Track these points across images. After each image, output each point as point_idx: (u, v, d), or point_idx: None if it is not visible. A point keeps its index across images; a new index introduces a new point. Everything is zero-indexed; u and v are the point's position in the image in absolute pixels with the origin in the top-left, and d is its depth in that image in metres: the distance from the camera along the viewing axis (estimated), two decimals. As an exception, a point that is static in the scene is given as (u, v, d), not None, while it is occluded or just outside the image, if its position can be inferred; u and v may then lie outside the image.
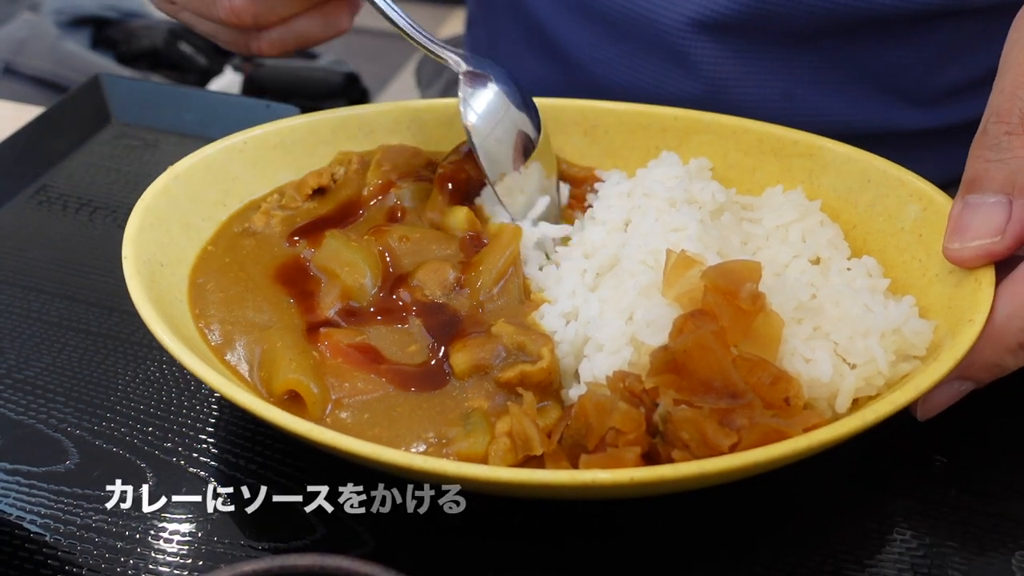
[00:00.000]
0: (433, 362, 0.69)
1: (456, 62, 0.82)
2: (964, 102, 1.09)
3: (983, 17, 1.02)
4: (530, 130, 0.83)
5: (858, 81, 1.06)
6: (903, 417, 0.72)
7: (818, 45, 1.03)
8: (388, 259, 0.76)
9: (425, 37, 0.81)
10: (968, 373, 0.64)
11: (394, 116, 0.90)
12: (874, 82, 1.06)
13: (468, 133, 0.79)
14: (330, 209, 0.82)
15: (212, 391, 0.74)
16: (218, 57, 2.36)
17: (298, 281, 0.76)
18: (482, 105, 0.80)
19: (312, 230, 0.80)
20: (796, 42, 1.03)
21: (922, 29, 1.01)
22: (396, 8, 0.81)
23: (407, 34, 0.81)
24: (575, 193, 0.87)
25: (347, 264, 0.74)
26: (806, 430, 0.57)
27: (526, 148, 0.82)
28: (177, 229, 0.77)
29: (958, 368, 0.61)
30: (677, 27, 1.03)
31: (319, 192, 0.84)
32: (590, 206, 0.84)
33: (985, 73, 1.05)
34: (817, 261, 0.75)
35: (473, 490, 0.62)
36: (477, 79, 0.81)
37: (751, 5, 0.99)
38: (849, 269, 0.74)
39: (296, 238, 0.79)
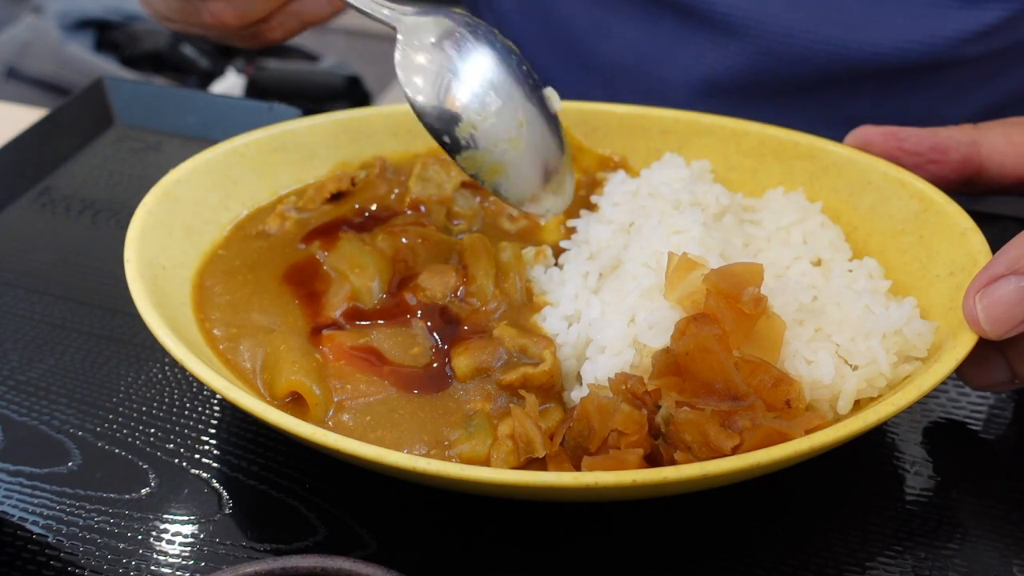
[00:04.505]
0: (435, 364, 0.69)
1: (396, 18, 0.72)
2: None
3: (979, 65, 1.02)
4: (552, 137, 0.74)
5: (855, 126, 1.06)
6: (905, 418, 0.72)
7: (814, 97, 1.04)
8: (403, 261, 0.76)
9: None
10: (1019, 266, 0.61)
11: (395, 119, 0.90)
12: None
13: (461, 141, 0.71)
14: (346, 212, 0.82)
15: (214, 393, 0.74)
16: (220, 60, 2.36)
17: (306, 282, 0.76)
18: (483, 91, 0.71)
19: (327, 232, 0.80)
20: (791, 95, 1.04)
21: (921, 78, 1.01)
22: None
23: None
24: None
25: (358, 266, 0.75)
26: (808, 432, 0.57)
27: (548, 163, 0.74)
28: (179, 232, 0.77)
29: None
30: (682, 89, 1.05)
31: (338, 195, 0.84)
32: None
33: (981, 112, 1.06)
34: (818, 263, 0.76)
35: (476, 492, 0.62)
36: (461, 43, 0.72)
37: (751, 68, 1.00)
38: (850, 271, 0.74)
39: (311, 240, 0.79)
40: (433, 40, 0.71)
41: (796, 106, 1.04)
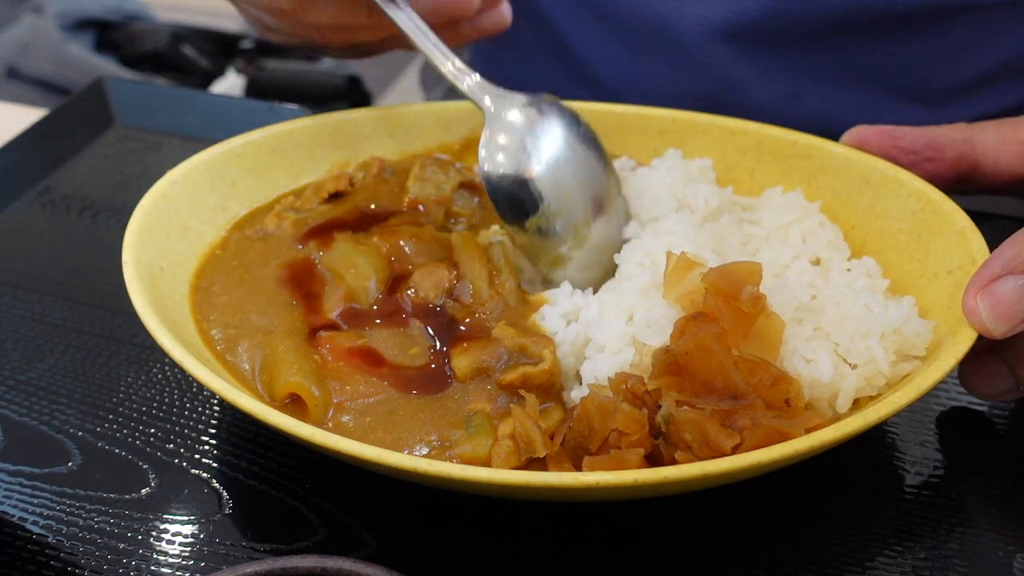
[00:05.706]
0: (435, 365, 0.69)
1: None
2: (972, 99, 1.09)
3: (993, 12, 1.02)
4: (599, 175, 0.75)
5: (865, 79, 1.06)
6: (905, 417, 0.72)
7: (827, 45, 1.04)
8: (397, 260, 0.76)
9: (453, 68, 0.77)
10: (1014, 265, 0.62)
11: (394, 120, 0.90)
12: (882, 80, 1.06)
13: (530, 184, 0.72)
14: (343, 212, 0.82)
15: (214, 393, 0.74)
16: (220, 60, 2.36)
17: (303, 283, 0.76)
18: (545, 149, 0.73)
19: (323, 232, 0.80)
20: (805, 42, 1.03)
21: (931, 26, 1.01)
22: (429, 35, 0.78)
23: (435, 65, 0.77)
24: None
25: (353, 266, 0.74)
26: (808, 431, 0.57)
27: (597, 201, 0.75)
28: (177, 233, 0.77)
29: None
30: (694, 34, 1.04)
31: (336, 196, 0.84)
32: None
33: (994, 69, 1.06)
34: (817, 262, 0.76)
35: (476, 492, 0.62)
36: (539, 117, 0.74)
37: (769, 9, 0.99)
38: (849, 270, 0.74)
39: (307, 240, 0.79)
40: (519, 123, 0.73)
41: (813, 54, 1.04)
